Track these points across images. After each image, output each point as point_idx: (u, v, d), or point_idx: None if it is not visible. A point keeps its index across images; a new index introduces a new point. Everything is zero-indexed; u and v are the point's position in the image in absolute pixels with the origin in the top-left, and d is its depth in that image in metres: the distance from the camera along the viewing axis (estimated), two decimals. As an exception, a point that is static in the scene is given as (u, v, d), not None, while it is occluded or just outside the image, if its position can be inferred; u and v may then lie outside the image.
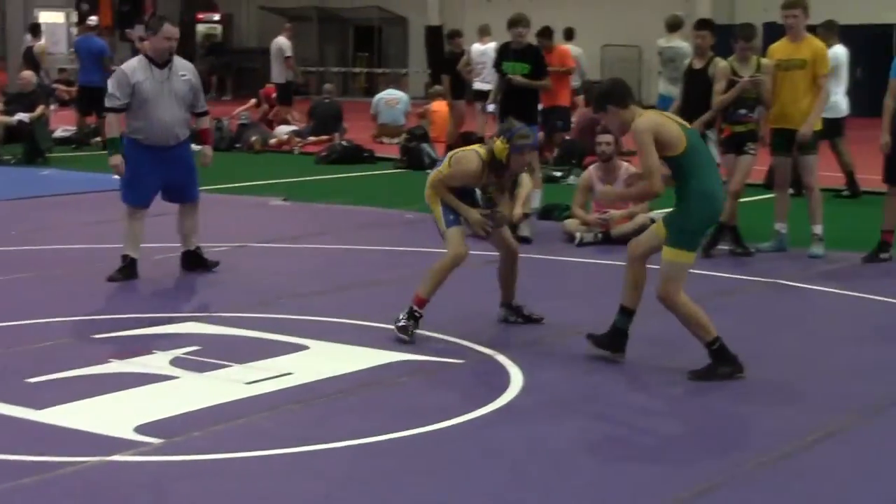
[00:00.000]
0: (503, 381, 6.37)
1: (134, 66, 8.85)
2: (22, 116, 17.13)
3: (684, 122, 6.76)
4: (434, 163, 14.37)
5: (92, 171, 15.30)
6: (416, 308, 7.13)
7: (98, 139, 19.04)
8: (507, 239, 7.56)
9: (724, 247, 10.09)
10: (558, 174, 14.94)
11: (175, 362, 6.67)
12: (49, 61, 23.28)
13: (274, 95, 21.67)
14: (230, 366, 6.59)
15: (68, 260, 9.85)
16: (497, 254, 7.59)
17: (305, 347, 7.02)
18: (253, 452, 5.28)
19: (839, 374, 6.73)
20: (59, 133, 19.51)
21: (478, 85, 17.02)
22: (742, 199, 10.33)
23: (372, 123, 20.55)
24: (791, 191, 10.60)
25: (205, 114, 9.38)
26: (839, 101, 13.11)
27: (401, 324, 7.11)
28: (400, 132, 19.14)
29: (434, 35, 31.60)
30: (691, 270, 6.62)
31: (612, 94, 6.56)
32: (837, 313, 8.38)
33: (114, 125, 8.87)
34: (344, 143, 18.20)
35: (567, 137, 15.85)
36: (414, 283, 7.35)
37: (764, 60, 10.28)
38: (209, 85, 32.71)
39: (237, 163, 17.47)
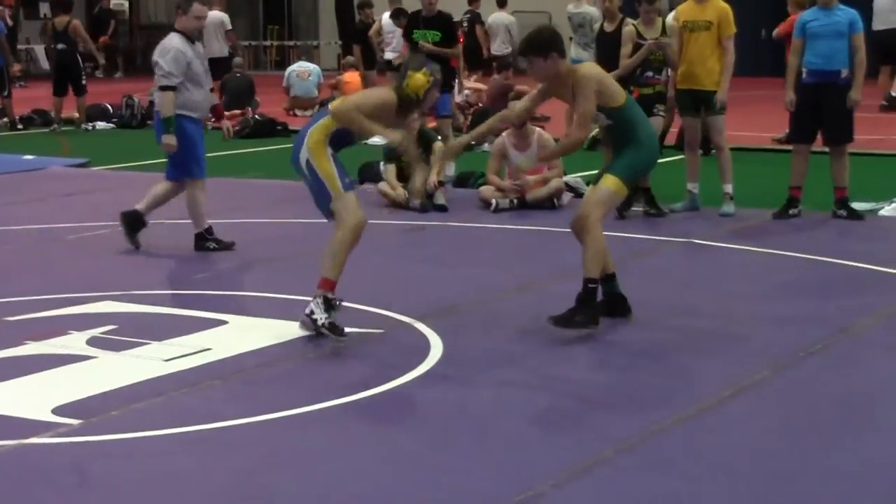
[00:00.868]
0: (423, 348, 6.40)
1: (182, 45, 8.95)
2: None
3: None
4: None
5: (-1, 153, 15.06)
6: (329, 295, 6.48)
7: (4, 120, 18.72)
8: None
9: (637, 208, 10.21)
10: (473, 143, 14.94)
11: (92, 342, 6.60)
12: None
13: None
14: (148, 343, 6.54)
15: (-22, 243, 9.69)
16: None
17: (224, 322, 6.99)
18: (174, 430, 5.25)
19: (753, 329, 6.85)
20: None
21: (388, 55, 16.98)
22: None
23: (284, 96, 20.41)
24: (700, 151, 10.75)
25: (212, 89, 9.55)
26: None
27: (322, 321, 6.43)
28: (313, 104, 19.05)
29: (344, 5, 31.39)
30: (607, 233, 6.70)
31: (533, 44, 6.61)
32: (750, 270, 8.53)
33: (170, 104, 8.89)
34: (257, 116, 18.08)
35: (480, 105, 15.88)
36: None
37: (669, 21, 10.39)
38: (118, 64, 32.21)
39: (148, 139, 17.25)
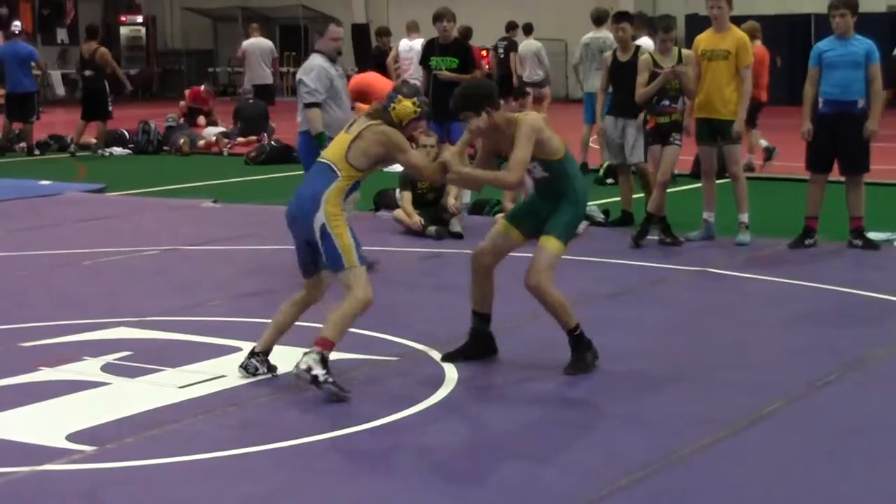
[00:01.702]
0: (438, 377, 6.39)
1: (324, 63, 9.04)
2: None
3: None
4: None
5: (16, 178, 15.11)
6: (326, 353, 6.13)
7: (22, 145, 18.82)
8: (324, 282, 6.51)
9: (653, 237, 10.19)
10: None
11: (106, 368, 6.61)
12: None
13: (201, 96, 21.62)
14: (162, 370, 6.55)
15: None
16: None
17: (238, 349, 6.98)
18: (189, 457, 5.25)
19: (768, 358, 6.82)
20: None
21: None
22: (669, 190, 10.44)
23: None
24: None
25: None
26: None
27: (324, 378, 6.05)
28: (329, 131, 19.09)
29: (360, 33, 31.57)
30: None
31: (469, 100, 6.46)
32: (765, 299, 8.50)
33: (318, 119, 8.95)
34: (273, 143, 18.14)
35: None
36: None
37: (686, 51, 10.41)
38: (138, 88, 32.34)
39: (166, 165, 17.35)
